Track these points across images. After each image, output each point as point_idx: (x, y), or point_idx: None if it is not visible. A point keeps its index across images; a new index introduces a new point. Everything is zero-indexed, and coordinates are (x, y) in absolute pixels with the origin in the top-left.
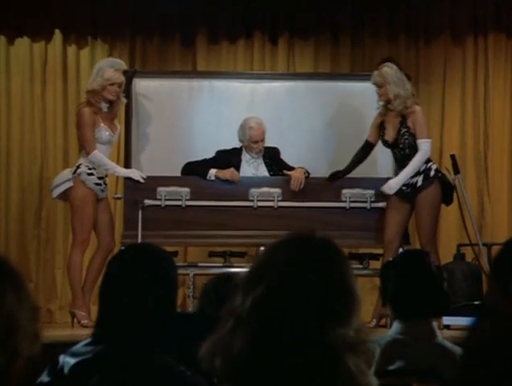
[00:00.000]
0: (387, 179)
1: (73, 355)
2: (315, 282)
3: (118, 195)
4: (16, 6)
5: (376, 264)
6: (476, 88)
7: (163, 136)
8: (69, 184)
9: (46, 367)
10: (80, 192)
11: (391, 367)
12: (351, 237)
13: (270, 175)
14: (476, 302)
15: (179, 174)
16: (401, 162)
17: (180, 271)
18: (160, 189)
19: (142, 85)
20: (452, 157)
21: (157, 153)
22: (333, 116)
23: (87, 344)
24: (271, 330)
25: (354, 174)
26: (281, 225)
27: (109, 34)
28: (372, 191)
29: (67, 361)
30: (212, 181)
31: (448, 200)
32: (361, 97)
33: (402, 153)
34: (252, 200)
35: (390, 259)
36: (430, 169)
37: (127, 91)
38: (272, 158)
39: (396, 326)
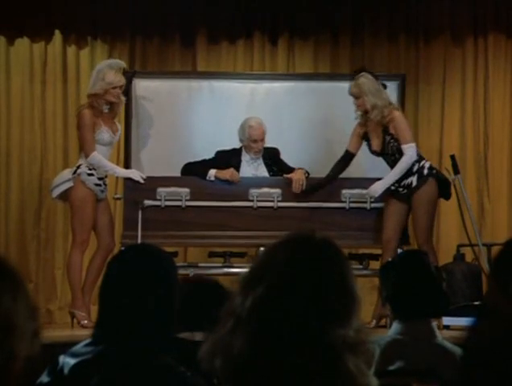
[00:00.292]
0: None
1: (73, 355)
2: (315, 282)
3: (118, 196)
4: (16, 6)
5: (376, 265)
6: (476, 88)
7: (162, 136)
8: (69, 184)
9: (46, 368)
10: (80, 192)
11: (391, 368)
12: (351, 237)
13: (270, 176)
14: (476, 303)
15: (179, 174)
16: (393, 167)
17: (180, 271)
18: (160, 189)
19: (141, 86)
20: (452, 157)
21: (157, 154)
22: (333, 116)
23: (87, 345)
24: (271, 330)
25: (354, 174)
26: (281, 225)
27: (109, 34)
28: None
29: (67, 361)
30: (211, 181)
31: (446, 195)
32: None
33: (393, 159)
34: (252, 201)
35: (389, 259)
36: (423, 167)
37: (127, 91)
38: (272, 158)
39: (396, 326)
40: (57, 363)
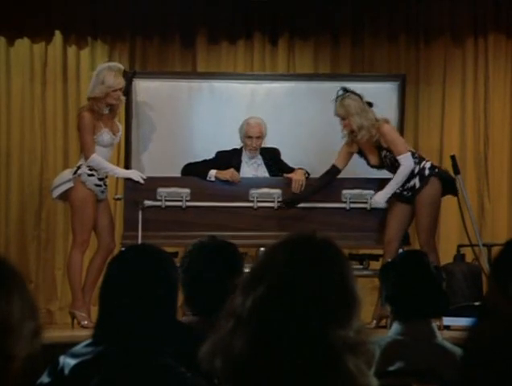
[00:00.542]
0: (387, 180)
1: (73, 355)
2: (316, 283)
3: (118, 196)
4: (16, 6)
5: (376, 265)
6: (476, 88)
7: (163, 137)
8: (69, 185)
9: (46, 368)
10: (81, 193)
11: (391, 368)
12: (351, 238)
13: (270, 176)
14: (477, 303)
15: (179, 174)
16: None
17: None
18: (160, 190)
19: (142, 86)
20: (452, 158)
21: (157, 154)
22: (333, 116)
23: (87, 345)
24: (271, 330)
25: (354, 174)
26: (281, 226)
27: (109, 34)
28: (372, 192)
29: (67, 362)
30: (212, 182)
31: (453, 191)
32: None
33: (393, 170)
34: (252, 201)
35: (389, 260)
36: (424, 168)
37: (127, 92)
38: (272, 158)
39: (396, 326)
40: (57, 364)
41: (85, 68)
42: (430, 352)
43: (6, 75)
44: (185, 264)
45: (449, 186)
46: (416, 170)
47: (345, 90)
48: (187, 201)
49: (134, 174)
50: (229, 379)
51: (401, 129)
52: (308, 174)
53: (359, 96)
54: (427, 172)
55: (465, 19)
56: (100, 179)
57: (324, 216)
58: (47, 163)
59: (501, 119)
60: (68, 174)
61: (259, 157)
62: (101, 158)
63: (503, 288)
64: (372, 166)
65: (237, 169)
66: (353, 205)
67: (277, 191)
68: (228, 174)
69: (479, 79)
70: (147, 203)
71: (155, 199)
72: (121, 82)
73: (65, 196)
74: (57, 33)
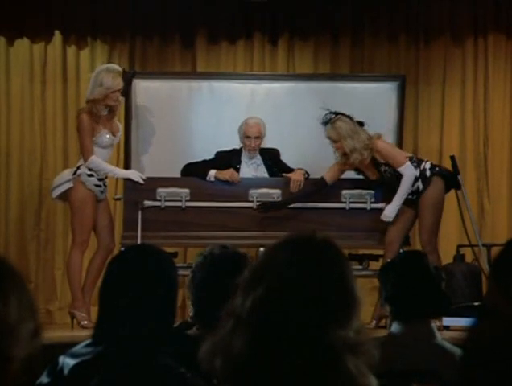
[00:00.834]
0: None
1: (73, 356)
2: (316, 283)
3: (118, 196)
4: (16, 6)
5: (376, 265)
6: (476, 89)
7: (162, 137)
8: (69, 185)
9: (45, 368)
10: (80, 193)
11: (391, 368)
12: (351, 238)
13: (270, 176)
14: (476, 303)
15: (178, 174)
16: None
17: (180, 272)
18: (160, 190)
19: (141, 86)
20: (452, 158)
21: (157, 154)
22: None
23: (87, 345)
24: (271, 330)
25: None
26: (281, 226)
27: (109, 34)
28: (372, 192)
29: (67, 362)
30: (211, 182)
31: (456, 185)
32: (360, 98)
33: (395, 181)
34: (252, 201)
35: (389, 260)
36: (424, 170)
37: (127, 92)
38: (272, 159)
39: (395, 327)
40: (57, 364)
41: (85, 68)
42: (429, 352)
43: (5, 75)
44: (198, 278)
45: (452, 181)
46: (418, 174)
47: (335, 113)
48: (186, 201)
49: (133, 175)
50: (228, 379)
51: (400, 130)
52: (308, 175)
53: (349, 117)
54: (428, 173)
55: (465, 19)
56: (99, 179)
57: (324, 216)
58: (47, 163)
59: (500, 119)
60: (67, 174)
61: (259, 157)
62: (100, 159)
63: (503, 288)
64: (372, 181)
65: (237, 169)
66: (352, 205)
67: (276, 191)
68: (227, 174)
69: (479, 79)
70: (147, 203)
71: (155, 200)
72: (119, 83)
73: (65, 196)
74: (57, 33)
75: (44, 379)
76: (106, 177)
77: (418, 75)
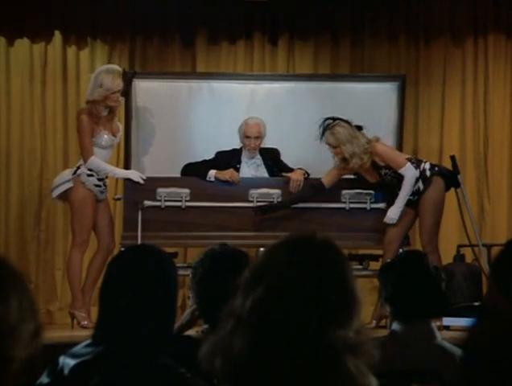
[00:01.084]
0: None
1: (73, 356)
2: (316, 283)
3: (118, 196)
4: (16, 6)
5: (376, 265)
6: (476, 89)
7: (162, 137)
8: (69, 185)
9: (46, 369)
10: (80, 193)
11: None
12: (351, 238)
13: (270, 176)
14: (476, 303)
15: (179, 175)
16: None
17: (180, 272)
18: (160, 190)
19: (141, 86)
20: (452, 158)
21: (157, 155)
22: None
23: (87, 345)
24: (271, 330)
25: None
26: (281, 226)
27: (109, 35)
28: (372, 192)
29: (67, 362)
30: (211, 182)
31: (455, 184)
32: (360, 98)
33: (396, 183)
34: (251, 201)
35: (389, 260)
36: (424, 170)
37: (127, 92)
38: (272, 159)
39: (395, 326)
40: (57, 364)
41: (85, 68)
42: (429, 352)
43: (5, 75)
44: (198, 275)
45: (452, 180)
46: (418, 174)
47: (333, 118)
48: (186, 201)
49: (133, 175)
50: (228, 379)
51: (401, 130)
52: (308, 175)
53: (347, 122)
54: (428, 173)
55: (465, 19)
56: (99, 180)
57: (324, 216)
58: (47, 163)
59: (500, 119)
60: (67, 174)
61: (259, 157)
62: (99, 159)
63: (503, 288)
64: (373, 184)
65: (237, 169)
66: (352, 205)
67: (276, 191)
68: (227, 174)
69: (479, 79)
70: (147, 203)
71: (155, 200)
72: (119, 84)
73: (65, 196)
74: (57, 33)
75: (44, 379)
76: (106, 177)
77: (418, 75)
